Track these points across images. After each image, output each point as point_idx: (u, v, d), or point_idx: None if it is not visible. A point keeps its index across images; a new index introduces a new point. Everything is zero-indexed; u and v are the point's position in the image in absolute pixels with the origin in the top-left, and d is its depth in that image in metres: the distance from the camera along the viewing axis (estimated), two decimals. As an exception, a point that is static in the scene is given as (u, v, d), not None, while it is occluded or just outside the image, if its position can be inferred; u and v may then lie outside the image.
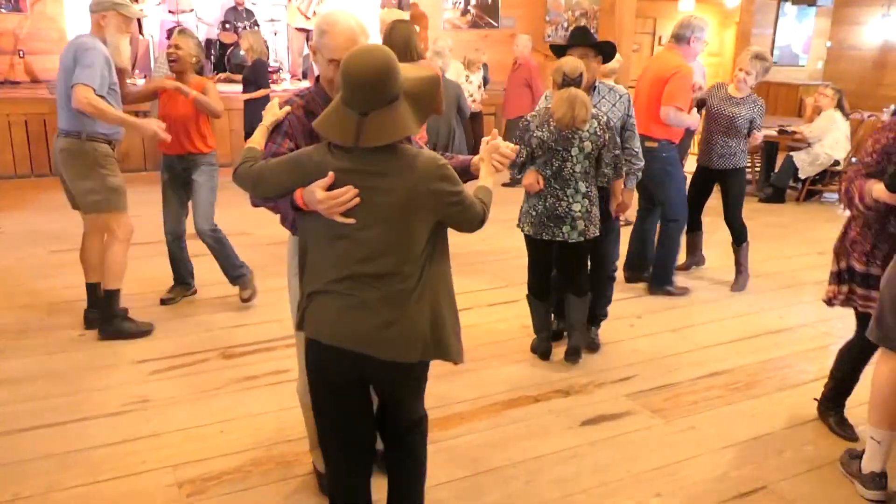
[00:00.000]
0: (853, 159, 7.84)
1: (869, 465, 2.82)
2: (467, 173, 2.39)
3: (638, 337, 4.33)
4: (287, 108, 2.34)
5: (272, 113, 2.33)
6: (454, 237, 2.26)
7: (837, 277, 3.11)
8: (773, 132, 8.13)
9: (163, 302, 4.59)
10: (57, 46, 9.02)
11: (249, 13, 10.34)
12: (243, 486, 2.82)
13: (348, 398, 2.21)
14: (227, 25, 9.99)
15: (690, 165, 7.05)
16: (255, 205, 2.35)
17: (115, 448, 3.03)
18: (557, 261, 3.92)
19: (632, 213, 6.83)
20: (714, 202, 5.39)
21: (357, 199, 1.99)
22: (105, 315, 4.06)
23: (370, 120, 1.97)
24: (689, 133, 6.68)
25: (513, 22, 11.30)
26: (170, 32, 8.30)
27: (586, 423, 3.35)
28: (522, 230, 3.84)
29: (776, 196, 7.99)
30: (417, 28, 10.32)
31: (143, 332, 4.11)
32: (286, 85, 9.71)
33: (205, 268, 4.96)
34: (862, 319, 3.11)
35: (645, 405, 3.52)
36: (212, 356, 3.91)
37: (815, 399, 3.47)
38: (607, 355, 4.06)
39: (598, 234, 3.76)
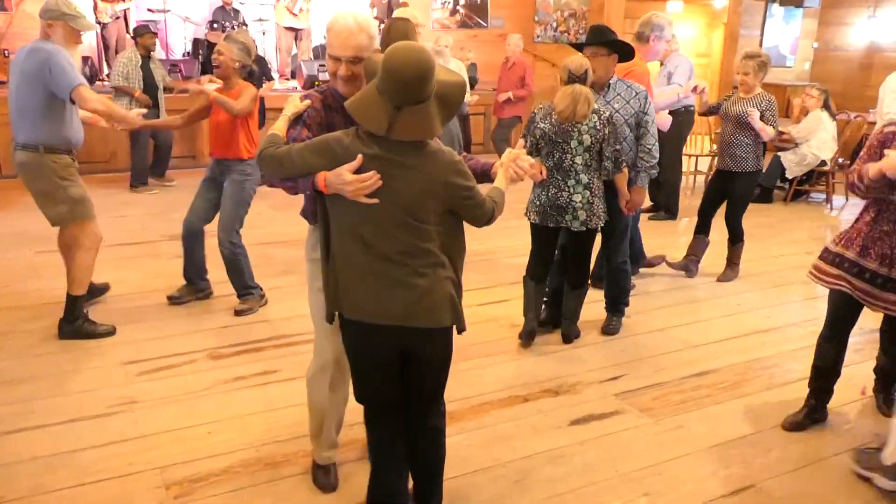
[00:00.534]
0: (840, 159, 7.91)
1: (892, 455, 2.81)
2: (486, 176, 2.54)
3: (626, 336, 4.34)
4: (307, 102, 2.48)
5: (293, 104, 2.48)
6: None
7: (829, 258, 3.22)
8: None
9: (170, 300, 4.53)
10: (43, 46, 8.96)
11: (237, 13, 10.29)
12: (231, 487, 2.80)
13: (388, 371, 2.38)
14: (216, 25, 9.93)
15: (692, 165, 7.09)
16: (271, 185, 2.50)
17: (102, 450, 3.01)
18: (562, 249, 4.11)
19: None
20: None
21: (380, 183, 2.14)
22: (68, 318, 4.05)
23: (403, 114, 2.11)
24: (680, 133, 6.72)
25: (502, 22, 11.30)
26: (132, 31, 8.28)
27: (575, 423, 3.35)
28: (529, 218, 4.00)
29: (763, 196, 8.03)
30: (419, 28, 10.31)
31: (103, 333, 4.08)
32: (276, 85, 9.67)
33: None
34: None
35: (633, 405, 3.53)
36: (199, 357, 3.89)
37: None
38: (596, 354, 4.07)
39: (601, 225, 3.91)
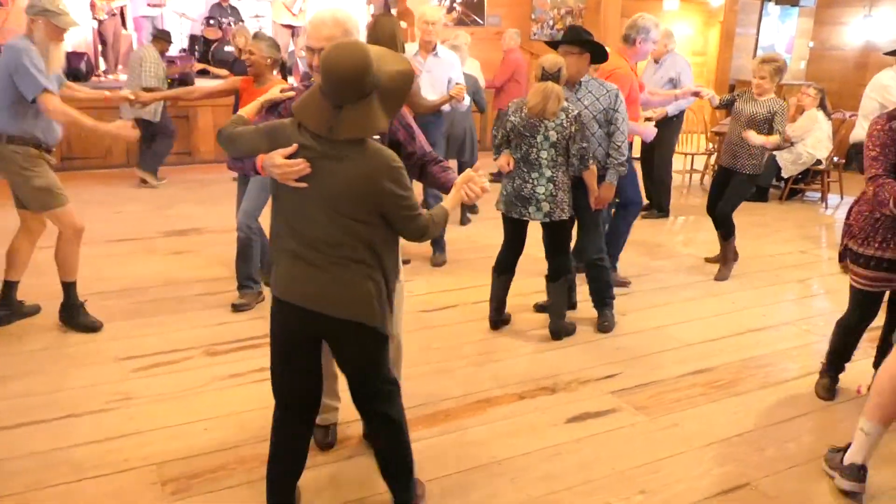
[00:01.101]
0: (835, 158, 7.93)
1: (852, 456, 2.84)
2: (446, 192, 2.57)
3: (622, 335, 4.35)
4: (290, 94, 2.58)
5: (272, 93, 2.61)
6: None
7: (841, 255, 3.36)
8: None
9: (234, 308, 4.45)
10: (38, 40, 8.93)
11: (234, 9, 10.28)
12: (228, 483, 2.81)
13: (300, 353, 2.41)
14: (212, 21, 9.93)
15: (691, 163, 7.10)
16: (230, 167, 2.62)
17: (98, 446, 3.01)
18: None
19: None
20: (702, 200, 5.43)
21: (308, 171, 2.19)
22: (64, 304, 4.14)
23: (344, 113, 2.14)
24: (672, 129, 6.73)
25: (498, 20, 11.29)
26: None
27: (571, 421, 3.36)
28: (497, 208, 4.18)
29: (759, 195, 8.04)
30: (405, 24, 10.30)
31: (88, 327, 4.11)
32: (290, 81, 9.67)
33: (187, 265, 4.94)
34: (855, 296, 3.36)
35: (629, 402, 3.54)
36: (196, 353, 3.89)
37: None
38: (592, 353, 4.08)
39: (564, 217, 4.02)
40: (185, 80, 8.26)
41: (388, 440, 2.54)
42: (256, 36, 4.35)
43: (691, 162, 8.60)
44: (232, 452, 3.00)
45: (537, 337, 4.24)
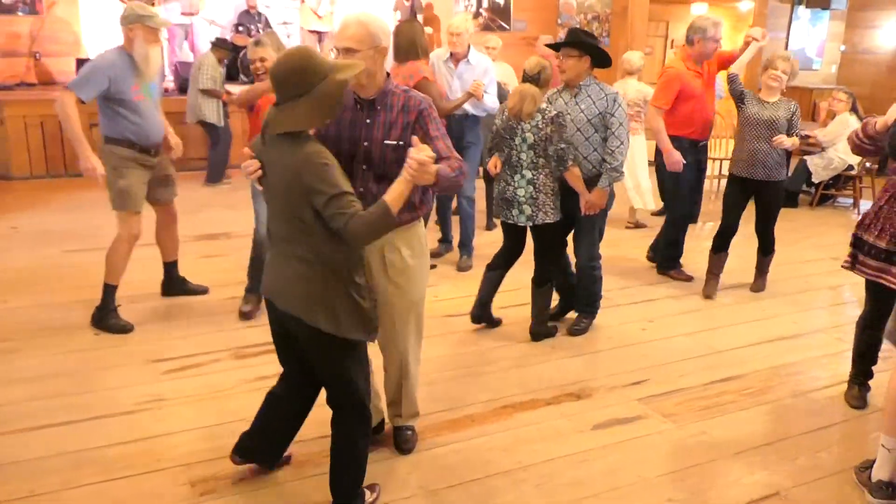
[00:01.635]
0: (867, 164, 7.80)
1: (878, 472, 2.80)
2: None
3: (650, 341, 4.32)
4: None
5: None
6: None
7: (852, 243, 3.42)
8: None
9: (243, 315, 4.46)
10: (72, 49, 9.10)
11: (262, 16, 10.38)
12: (255, 485, 2.83)
13: (281, 346, 2.64)
14: (241, 28, 10.03)
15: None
16: None
17: (128, 447, 3.05)
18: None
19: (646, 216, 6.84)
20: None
21: (259, 172, 2.40)
22: (99, 305, 4.23)
23: (278, 111, 2.31)
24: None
25: (524, 25, 11.29)
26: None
27: (598, 427, 3.34)
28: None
29: (789, 200, 7.93)
30: (430, 30, 10.32)
31: (123, 329, 4.18)
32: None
33: (216, 268, 4.99)
34: (872, 290, 3.38)
35: (657, 409, 3.51)
36: (223, 356, 3.93)
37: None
38: (619, 359, 4.05)
39: (549, 221, 3.99)
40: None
41: (338, 454, 2.60)
42: (259, 42, 4.21)
43: (720, 167, 8.52)
44: (259, 455, 3.02)
45: (563, 343, 4.23)
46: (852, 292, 5.35)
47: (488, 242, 5.90)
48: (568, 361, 4.01)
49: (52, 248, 5.62)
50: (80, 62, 8.54)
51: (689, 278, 5.35)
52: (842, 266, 3.49)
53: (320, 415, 3.22)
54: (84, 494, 2.75)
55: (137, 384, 3.58)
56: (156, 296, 4.68)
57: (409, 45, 4.87)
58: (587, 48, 4.00)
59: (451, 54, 5.37)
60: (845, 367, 3.93)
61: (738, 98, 4.84)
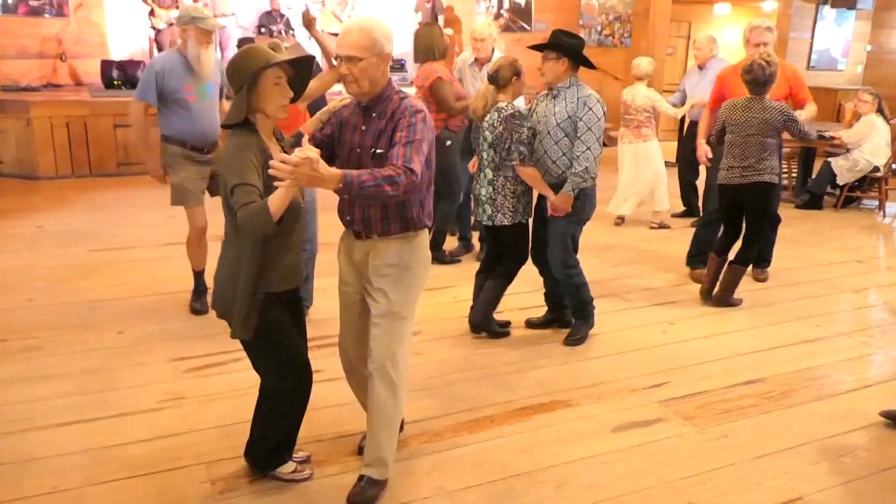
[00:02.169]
0: (893, 165, 7.70)
1: None
2: None
3: (670, 343, 4.29)
4: (346, 101, 2.76)
5: (331, 105, 2.82)
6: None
7: None
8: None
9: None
10: (98, 51, 9.24)
11: (284, 17, 10.45)
12: (274, 484, 2.84)
13: None
14: (263, 30, 10.11)
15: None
16: None
17: (150, 444, 3.08)
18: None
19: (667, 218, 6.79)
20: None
21: None
22: (194, 289, 4.58)
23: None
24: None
25: (546, 26, 11.27)
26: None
27: (617, 430, 3.32)
28: None
29: (813, 202, 7.86)
30: (451, 31, 10.33)
31: (197, 312, 4.48)
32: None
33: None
34: None
35: (677, 412, 3.49)
36: (244, 355, 3.92)
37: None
38: (638, 361, 4.03)
39: (506, 223, 4.00)
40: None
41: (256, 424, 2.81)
42: (275, 47, 4.25)
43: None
44: (279, 453, 3.04)
45: (582, 346, 4.20)
46: (878, 295, 5.28)
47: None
48: (587, 363, 3.99)
49: (77, 247, 5.69)
50: (106, 64, 8.67)
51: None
52: None
53: (337, 413, 3.26)
54: (106, 491, 2.78)
55: (159, 382, 3.62)
56: (178, 294, 4.72)
57: (426, 48, 5.17)
58: (563, 49, 3.88)
59: (476, 58, 5.53)
60: (870, 371, 3.89)
61: (720, 134, 4.86)
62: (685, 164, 7.03)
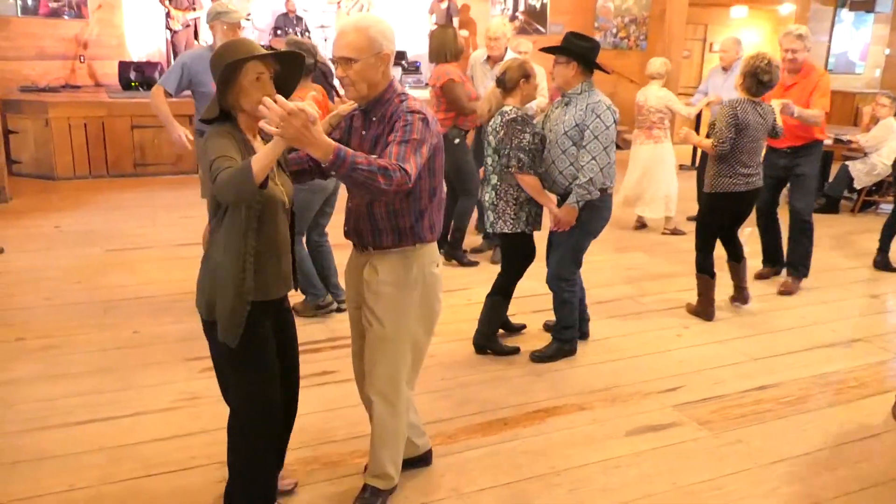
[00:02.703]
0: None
1: None
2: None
3: (685, 347, 4.27)
4: (354, 105, 2.59)
5: (342, 108, 2.70)
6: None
7: None
8: (829, 141, 7.94)
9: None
10: (116, 52, 9.31)
11: (300, 19, 10.50)
12: (287, 484, 2.85)
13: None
14: (279, 32, 10.16)
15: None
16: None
17: (165, 443, 3.10)
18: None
19: (679, 222, 6.76)
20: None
21: None
22: None
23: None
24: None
25: (561, 28, 11.25)
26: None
27: (631, 433, 3.31)
28: None
29: (830, 206, 7.80)
30: (466, 33, 10.33)
31: None
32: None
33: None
34: None
35: (691, 416, 3.47)
36: (259, 356, 3.96)
37: None
38: (653, 365, 4.01)
39: (506, 230, 3.87)
40: None
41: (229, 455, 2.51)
42: (299, 45, 4.19)
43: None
44: (292, 454, 3.03)
45: (596, 348, 4.19)
46: (895, 300, 5.23)
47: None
48: (601, 366, 3.98)
49: (94, 247, 5.74)
50: (123, 65, 8.74)
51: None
52: None
53: (351, 414, 3.26)
54: (122, 489, 2.80)
55: (174, 382, 3.64)
56: (193, 294, 4.73)
57: (439, 49, 5.28)
58: (573, 53, 3.71)
59: (489, 57, 5.56)
60: (887, 376, 3.85)
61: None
62: (704, 167, 6.96)
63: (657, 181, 6.55)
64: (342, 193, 2.91)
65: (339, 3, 10.81)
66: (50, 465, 2.92)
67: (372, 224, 2.48)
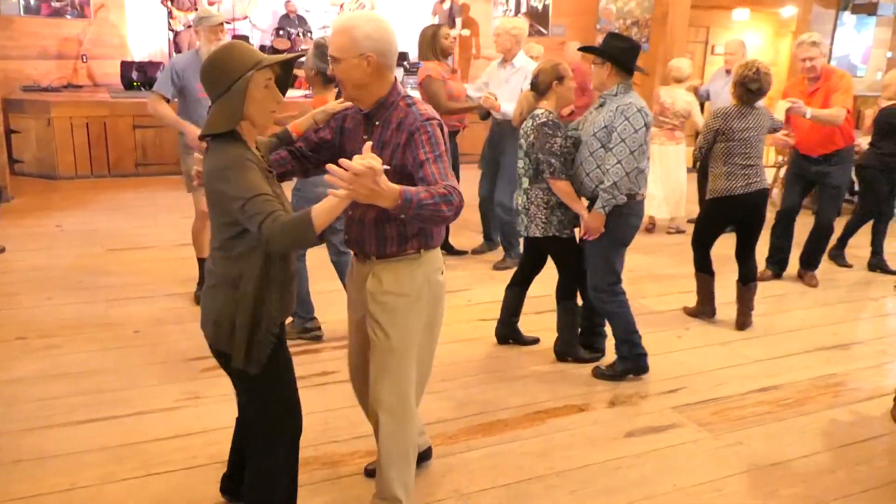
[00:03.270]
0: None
1: None
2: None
3: (685, 349, 4.27)
4: (347, 104, 2.51)
5: (330, 105, 2.61)
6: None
7: None
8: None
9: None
10: (118, 52, 9.32)
11: (302, 20, 10.50)
12: (290, 484, 2.85)
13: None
14: (281, 32, 10.17)
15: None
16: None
17: (167, 443, 3.11)
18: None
19: (681, 222, 6.76)
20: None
21: (201, 179, 2.22)
22: (199, 280, 4.65)
23: (209, 113, 2.17)
24: None
25: (563, 30, 11.25)
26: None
27: (631, 435, 3.32)
28: None
29: (831, 209, 7.79)
30: (467, 32, 10.31)
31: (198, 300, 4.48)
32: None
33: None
34: None
35: (691, 418, 3.47)
36: (261, 356, 3.96)
37: None
38: (653, 367, 4.01)
39: (538, 234, 3.84)
40: None
41: (248, 475, 2.43)
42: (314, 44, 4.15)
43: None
44: (294, 454, 3.05)
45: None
46: (896, 304, 5.24)
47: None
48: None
49: (96, 246, 5.75)
50: (125, 65, 8.75)
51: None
52: None
53: (351, 414, 3.26)
54: (123, 488, 2.80)
55: (176, 381, 3.65)
56: (192, 295, 4.76)
57: (423, 47, 5.47)
58: (606, 54, 3.65)
59: (504, 59, 5.55)
60: (888, 379, 3.85)
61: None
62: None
63: (678, 181, 6.61)
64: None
65: (341, 4, 10.81)
66: (51, 464, 2.93)
67: (377, 231, 2.39)
